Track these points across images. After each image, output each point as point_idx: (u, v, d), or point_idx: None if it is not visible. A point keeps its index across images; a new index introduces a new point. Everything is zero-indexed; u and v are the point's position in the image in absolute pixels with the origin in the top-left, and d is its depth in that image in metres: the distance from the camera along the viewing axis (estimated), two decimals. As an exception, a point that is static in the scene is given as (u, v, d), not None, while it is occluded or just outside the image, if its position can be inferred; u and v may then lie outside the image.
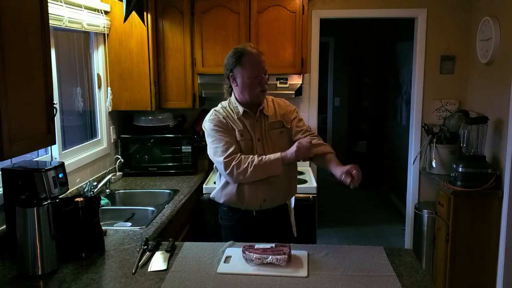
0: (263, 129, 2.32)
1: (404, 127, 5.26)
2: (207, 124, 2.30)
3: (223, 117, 2.30)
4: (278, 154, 2.19)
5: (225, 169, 2.20)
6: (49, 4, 2.05)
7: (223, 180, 2.35)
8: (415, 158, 4.06)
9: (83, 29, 2.98)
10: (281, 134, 2.33)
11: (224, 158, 2.20)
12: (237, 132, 2.28)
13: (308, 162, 3.97)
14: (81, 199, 2.07)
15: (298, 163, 2.51)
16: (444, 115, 3.95)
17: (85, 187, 2.91)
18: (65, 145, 2.92)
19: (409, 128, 4.18)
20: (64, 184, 2.29)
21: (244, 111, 2.31)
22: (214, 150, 2.25)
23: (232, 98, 2.36)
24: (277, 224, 2.40)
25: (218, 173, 2.40)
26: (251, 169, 2.16)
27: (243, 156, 2.21)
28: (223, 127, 2.27)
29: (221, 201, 2.39)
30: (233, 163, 2.18)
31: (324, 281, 1.79)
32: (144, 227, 2.45)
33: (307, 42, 3.72)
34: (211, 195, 2.47)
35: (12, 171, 2.13)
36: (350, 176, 2.04)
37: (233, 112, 2.33)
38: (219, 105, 2.38)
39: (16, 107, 1.77)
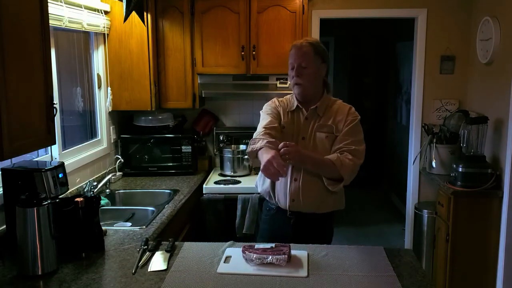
0: (311, 129, 2.28)
1: (404, 127, 5.26)
2: (263, 107, 2.39)
3: (277, 105, 2.36)
4: (266, 148, 2.11)
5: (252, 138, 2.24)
6: (49, 4, 2.05)
7: None
8: (415, 158, 4.05)
9: (83, 29, 2.98)
10: (325, 139, 2.25)
11: (256, 131, 2.25)
12: (282, 122, 2.31)
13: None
14: (81, 199, 2.07)
15: None
16: (444, 115, 3.95)
17: (85, 187, 2.91)
18: (65, 145, 2.92)
19: (409, 128, 4.18)
20: (64, 184, 2.29)
21: (296, 106, 2.32)
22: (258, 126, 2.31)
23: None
24: (311, 234, 2.31)
25: None
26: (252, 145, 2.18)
27: (263, 133, 2.20)
28: (273, 111, 2.33)
29: (259, 190, 2.42)
30: (255, 137, 2.22)
31: (324, 281, 1.79)
32: (144, 227, 2.45)
33: (307, 42, 3.72)
34: (255, 183, 2.49)
35: (12, 171, 2.13)
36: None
37: (287, 105, 2.35)
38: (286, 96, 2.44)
39: (16, 107, 1.77)
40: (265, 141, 2.12)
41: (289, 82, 2.41)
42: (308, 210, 2.28)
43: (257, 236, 2.51)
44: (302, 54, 2.22)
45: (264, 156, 1.99)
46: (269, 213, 2.39)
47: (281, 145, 2.05)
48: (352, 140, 2.21)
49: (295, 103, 2.32)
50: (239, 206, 3.33)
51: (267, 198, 2.38)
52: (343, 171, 2.15)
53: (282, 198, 2.29)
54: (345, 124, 2.24)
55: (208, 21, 3.58)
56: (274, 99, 2.41)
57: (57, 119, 2.71)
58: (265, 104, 2.40)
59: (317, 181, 2.24)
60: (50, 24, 2.06)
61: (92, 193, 2.87)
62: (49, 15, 2.03)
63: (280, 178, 2.09)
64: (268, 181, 2.32)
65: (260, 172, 2.39)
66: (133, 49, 3.43)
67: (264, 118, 2.31)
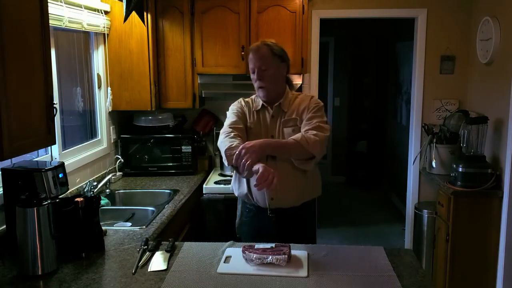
0: (278, 126, 2.30)
1: (404, 127, 5.26)
2: (230, 107, 2.39)
3: (243, 105, 2.37)
4: (235, 144, 2.09)
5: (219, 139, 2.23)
6: (49, 4, 2.05)
7: (236, 173, 2.36)
8: (415, 158, 4.06)
9: (83, 29, 2.98)
10: (293, 133, 2.24)
11: (222, 129, 2.26)
12: (248, 123, 2.32)
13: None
14: (81, 199, 2.07)
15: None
16: (444, 115, 3.95)
17: (85, 187, 2.91)
18: (65, 145, 2.92)
19: (409, 128, 4.18)
20: (64, 184, 2.29)
21: (262, 105, 2.33)
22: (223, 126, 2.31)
23: None
24: (293, 228, 2.33)
25: None
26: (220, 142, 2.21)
27: (232, 133, 2.20)
28: (238, 111, 2.33)
29: (236, 193, 2.41)
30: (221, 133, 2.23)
31: (324, 281, 1.79)
32: (144, 227, 2.45)
33: (307, 42, 3.72)
34: (230, 187, 2.48)
35: (12, 171, 2.13)
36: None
37: (253, 105, 2.36)
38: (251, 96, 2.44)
39: (16, 107, 1.77)
40: (236, 141, 2.12)
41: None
42: (288, 205, 2.30)
43: (241, 239, 2.49)
44: (260, 57, 2.24)
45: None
46: (250, 215, 2.40)
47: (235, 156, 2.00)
48: (315, 121, 2.21)
49: (260, 102, 2.34)
50: (239, 206, 3.32)
51: (246, 200, 2.39)
52: (311, 148, 2.13)
53: (261, 198, 2.29)
54: (308, 111, 2.26)
55: (208, 21, 3.58)
56: (240, 100, 2.42)
57: (57, 119, 2.72)
58: (232, 105, 2.41)
59: (292, 175, 2.25)
60: (50, 24, 2.06)
61: (92, 193, 2.87)
62: (49, 15, 2.03)
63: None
64: (244, 184, 2.32)
65: (235, 176, 2.39)
66: (133, 49, 3.43)
67: (230, 117, 2.32)
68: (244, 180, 2.30)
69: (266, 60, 2.24)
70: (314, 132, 2.15)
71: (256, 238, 2.24)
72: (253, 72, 2.26)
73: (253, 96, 2.41)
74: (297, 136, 2.15)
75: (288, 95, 2.34)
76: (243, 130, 2.28)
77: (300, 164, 2.21)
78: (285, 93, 2.34)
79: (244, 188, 2.33)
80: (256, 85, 2.28)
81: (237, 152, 1.96)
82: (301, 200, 2.34)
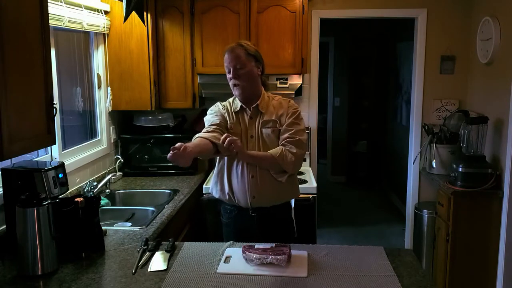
0: (257, 126, 2.34)
1: (404, 127, 5.26)
2: (208, 112, 2.43)
3: (221, 108, 2.41)
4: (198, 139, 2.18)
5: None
6: (49, 4, 2.05)
7: (216, 174, 2.39)
8: (415, 158, 4.06)
9: (83, 29, 2.98)
10: (272, 133, 2.32)
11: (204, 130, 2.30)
12: (228, 124, 2.35)
13: (308, 162, 3.97)
14: (81, 199, 2.07)
15: None
16: (444, 115, 3.95)
17: (85, 187, 2.91)
18: (65, 145, 2.92)
19: (409, 128, 4.18)
20: (64, 184, 2.29)
21: (240, 106, 2.37)
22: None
23: None
24: (275, 227, 2.37)
25: (215, 168, 2.41)
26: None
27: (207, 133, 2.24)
28: (217, 113, 2.38)
29: (216, 195, 2.42)
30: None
31: (324, 281, 1.79)
32: (144, 227, 2.45)
33: (307, 42, 3.72)
34: (209, 189, 2.51)
35: (12, 171, 2.13)
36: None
37: (231, 107, 2.40)
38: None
39: (16, 107, 1.77)
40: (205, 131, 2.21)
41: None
42: (269, 204, 2.33)
43: (224, 240, 2.49)
44: (234, 56, 2.29)
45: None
46: (231, 216, 2.41)
47: (224, 136, 2.10)
48: (296, 130, 2.30)
49: (239, 104, 2.38)
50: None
51: (227, 201, 2.39)
52: (286, 166, 2.25)
53: (242, 197, 2.31)
54: (287, 116, 2.34)
55: (208, 21, 3.58)
56: (217, 103, 2.46)
57: (57, 119, 2.72)
58: (209, 109, 2.45)
59: (270, 174, 2.30)
60: (50, 24, 2.06)
61: (92, 193, 2.86)
62: (49, 15, 2.03)
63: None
64: (226, 184, 2.34)
65: (214, 178, 2.42)
66: (133, 49, 3.43)
67: (209, 120, 2.35)
68: (226, 181, 2.33)
69: (240, 60, 2.29)
70: (294, 149, 2.26)
71: (239, 238, 2.25)
72: (229, 72, 2.31)
73: (230, 99, 2.45)
74: (277, 151, 2.25)
75: (264, 96, 2.40)
76: (224, 126, 2.32)
77: (274, 174, 2.29)
78: (261, 94, 2.39)
79: (225, 189, 2.34)
80: (231, 83, 2.32)
81: (229, 140, 2.08)
82: (281, 198, 2.38)
